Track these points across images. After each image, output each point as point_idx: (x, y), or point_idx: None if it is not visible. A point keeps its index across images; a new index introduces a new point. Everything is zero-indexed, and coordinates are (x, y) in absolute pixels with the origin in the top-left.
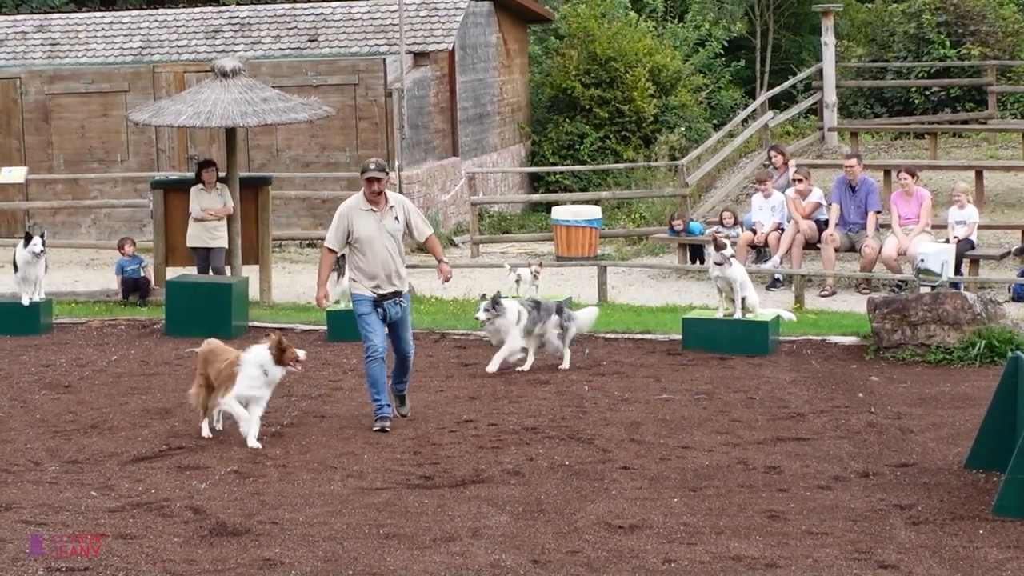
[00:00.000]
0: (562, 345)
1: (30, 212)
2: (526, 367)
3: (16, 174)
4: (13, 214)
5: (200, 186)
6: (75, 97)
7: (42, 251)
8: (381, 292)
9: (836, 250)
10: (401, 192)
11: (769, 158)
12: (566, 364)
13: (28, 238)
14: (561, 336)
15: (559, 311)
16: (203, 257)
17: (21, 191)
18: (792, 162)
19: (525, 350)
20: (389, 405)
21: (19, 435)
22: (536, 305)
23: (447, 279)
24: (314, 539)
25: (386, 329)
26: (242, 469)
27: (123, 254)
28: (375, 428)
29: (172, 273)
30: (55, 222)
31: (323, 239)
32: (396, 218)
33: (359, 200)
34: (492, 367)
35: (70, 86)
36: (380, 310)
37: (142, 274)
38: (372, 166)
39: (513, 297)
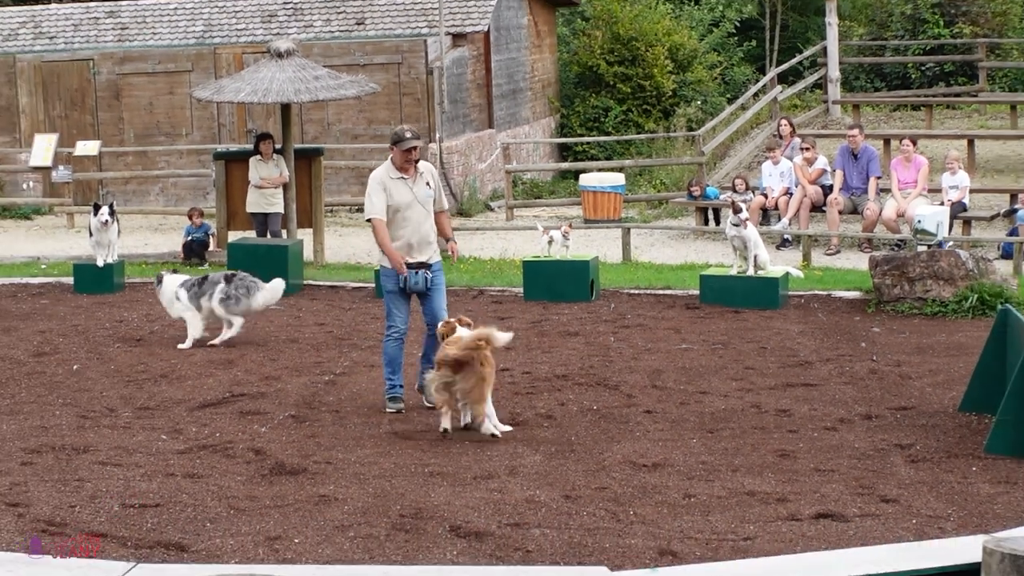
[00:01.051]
0: (225, 313)
1: (104, 182)
2: (216, 341)
3: (90, 147)
4: (88, 183)
5: (258, 157)
6: (143, 77)
7: (107, 220)
8: (409, 261)
9: (840, 212)
10: (441, 161)
11: (778, 127)
12: (222, 337)
13: (96, 208)
14: (225, 303)
15: (228, 280)
16: (261, 222)
17: (95, 162)
18: (796, 138)
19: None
20: (402, 386)
21: (96, 384)
22: (200, 280)
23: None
24: (365, 477)
25: (411, 302)
26: (299, 414)
27: (192, 223)
28: (388, 409)
29: (233, 236)
30: (126, 190)
31: None
32: (428, 184)
33: (388, 168)
34: (183, 345)
35: (139, 67)
36: (402, 279)
37: (209, 239)
38: (408, 134)
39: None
